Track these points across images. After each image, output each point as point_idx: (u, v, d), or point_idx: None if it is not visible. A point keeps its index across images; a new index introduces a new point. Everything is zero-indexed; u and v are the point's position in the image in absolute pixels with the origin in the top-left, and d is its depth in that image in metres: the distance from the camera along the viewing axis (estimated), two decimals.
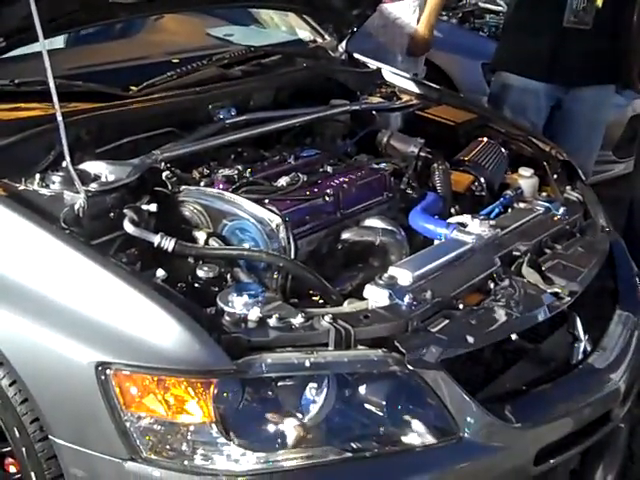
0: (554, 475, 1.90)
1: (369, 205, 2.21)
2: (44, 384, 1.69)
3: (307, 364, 1.64)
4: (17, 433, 1.73)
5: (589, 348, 2.03)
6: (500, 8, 5.24)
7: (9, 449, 1.79)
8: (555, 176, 2.55)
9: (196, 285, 1.83)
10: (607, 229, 2.41)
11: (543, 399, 1.88)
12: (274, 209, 1.95)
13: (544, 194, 2.42)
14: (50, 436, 1.69)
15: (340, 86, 2.79)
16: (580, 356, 2.01)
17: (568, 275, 2.04)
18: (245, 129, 2.33)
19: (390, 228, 2.10)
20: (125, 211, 1.88)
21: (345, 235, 2.07)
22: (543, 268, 2.04)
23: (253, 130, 2.34)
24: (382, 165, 2.34)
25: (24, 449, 1.72)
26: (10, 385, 1.72)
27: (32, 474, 1.73)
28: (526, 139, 2.69)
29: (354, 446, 1.66)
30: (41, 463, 1.71)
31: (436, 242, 2.09)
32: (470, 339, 1.76)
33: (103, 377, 1.62)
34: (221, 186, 2.06)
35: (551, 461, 1.84)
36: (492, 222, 2.14)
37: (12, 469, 1.86)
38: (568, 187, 2.51)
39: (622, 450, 2.11)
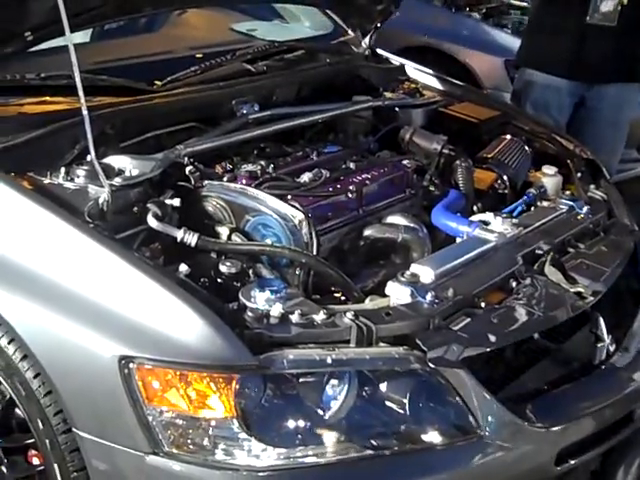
0: (575, 476, 1.89)
1: (391, 202, 2.21)
2: (68, 377, 1.70)
3: (329, 361, 1.64)
4: (41, 425, 1.74)
5: (612, 348, 2.02)
6: (524, 4, 5.20)
7: (32, 441, 1.80)
8: (579, 174, 2.53)
9: (219, 280, 1.83)
10: (631, 228, 2.39)
11: (565, 399, 1.88)
12: (297, 205, 1.95)
13: (568, 192, 2.40)
14: (73, 428, 1.71)
15: (363, 82, 2.78)
16: (603, 356, 2.00)
17: (591, 275, 2.03)
18: (268, 124, 2.34)
19: (412, 225, 2.10)
20: (148, 205, 1.89)
21: (367, 232, 2.08)
22: (566, 267, 2.03)
23: (276, 126, 2.34)
24: (405, 162, 2.34)
25: (47, 441, 1.74)
26: (34, 377, 1.73)
27: (55, 466, 1.75)
28: (550, 137, 2.68)
29: (375, 443, 1.66)
30: (64, 455, 1.73)
31: (458, 240, 2.09)
32: (492, 338, 1.76)
33: (126, 371, 1.63)
34: (244, 181, 2.07)
35: (572, 462, 1.83)
36: (515, 220, 2.13)
37: (35, 461, 1.87)
38: (592, 186, 2.49)
39: None
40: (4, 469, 1.92)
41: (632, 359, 2.03)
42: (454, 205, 2.22)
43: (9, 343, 1.76)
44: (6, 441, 1.91)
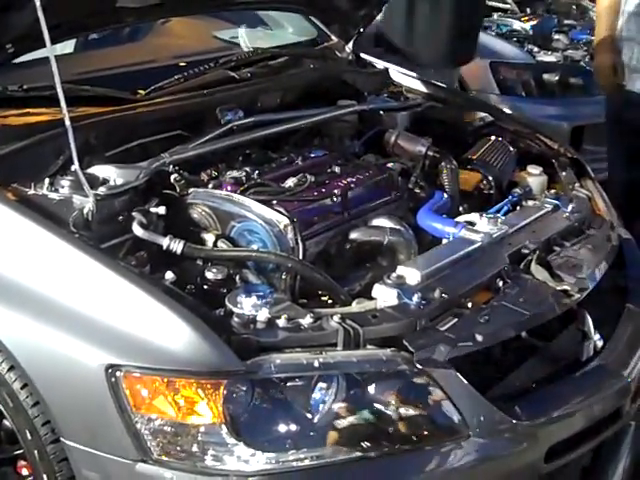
0: (565, 473, 1.90)
1: (377, 205, 2.21)
2: (55, 387, 1.70)
3: (316, 364, 1.64)
4: (29, 436, 1.74)
5: (599, 345, 2.03)
6: (507, 6, 5.23)
7: (21, 452, 1.80)
8: (563, 173, 2.54)
9: (205, 287, 1.83)
10: (616, 226, 2.41)
11: (553, 397, 1.88)
12: (282, 210, 1.96)
13: (553, 191, 2.41)
14: (61, 438, 1.71)
15: (347, 86, 2.79)
16: (590, 353, 2.01)
17: (577, 272, 2.04)
18: (253, 131, 2.34)
19: (398, 227, 2.11)
20: (134, 214, 1.90)
21: (353, 235, 2.08)
22: (552, 266, 2.04)
23: (261, 132, 2.35)
24: (390, 165, 2.35)
25: (36, 452, 1.74)
26: (21, 388, 1.73)
27: (44, 476, 1.74)
28: (534, 137, 2.69)
29: (364, 446, 1.66)
30: (53, 465, 1.73)
31: (444, 241, 2.09)
32: (479, 337, 1.76)
33: (113, 379, 1.63)
34: (229, 188, 2.07)
35: (562, 459, 1.83)
36: (500, 220, 2.14)
37: (24, 472, 1.87)
38: (577, 184, 2.50)
39: (633, 447, 2.10)
40: None
41: (619, 355, 2.03)
42: (440, 207, 2.23)
43: None
44: None
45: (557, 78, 3.79)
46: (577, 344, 2.01)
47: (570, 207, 2.31)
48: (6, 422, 1.82)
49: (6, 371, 1.74)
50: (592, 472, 2.00)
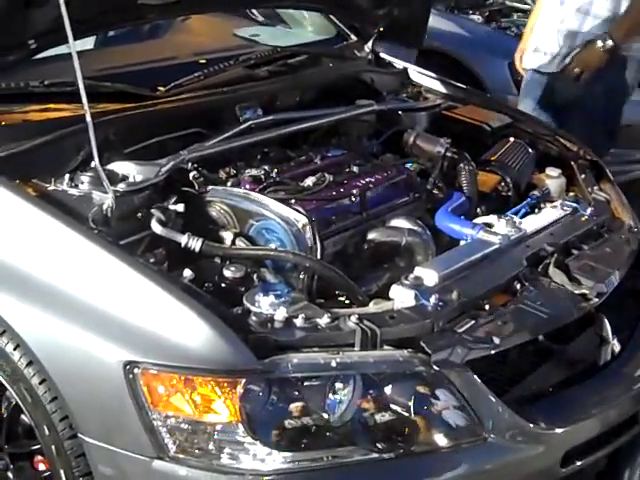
0: (581, 477, 1.89)
1: (395, 205, 2.21)
2: (73, 382, 1.71)
3: (333, 364, 1.64)
4: (47, 431, 1.75)
5: (617, 350, 2.02)
6: (527, 7, 5.20)
7: (39, 447, 1.81)
8: (583, 176, 2.53)
9: (223, 285, 1.83)
10: (635, 229, 2.39)
11: (570, 401, 1.87)
12: (300, 209, 1.96)
13: (571, 194, 2.40)
14: (79, 434, 1.71)
15: (366, 86, 2.79)
16: (608, 357, 2.00)
17: (596, 276, 2.03)
18: (271, 129, 2.34)
19: (416, 228, 2.10)
20: (153, 211, 1.90)
21: (371, 235, 2.08)
22: (570, 269, 2.03)
23: (279, 130, 2.35)
24: (408, 165, 2.34)
25: (53, 447, 1.75)
26: (40, 383, 1.74)
27: (61, 472, 1.75)
28: (553, 139, 2.67)
29: (380, 446, 1.66)
30: (70, 461, 1.73)
31: (462, 242, 2.09)
32: (496, 340, 1.76)
33: (131, 376, 1.63)
34: (247, 186, 2.07)
35: (578, 463, 1.83)
36: (518, 222, 2.13)
37: (41, 467, 1.88)
38: (596, 187, 2.49)
39: None
40: (10, 475, 1.94)
41: (637, 360, 2.02)
42: (458, 208, 2.23)
43: (15, 349, 1.76)
44: (12, 447, 1.92)
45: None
46: (595, 348, 2.00)
47: (589, 210, 2.30)
48: (24, 417, 1.83)
49: (25, 366, 1.75)
50: (608, 477, 1.99)
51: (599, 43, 3.26)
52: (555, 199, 2.40)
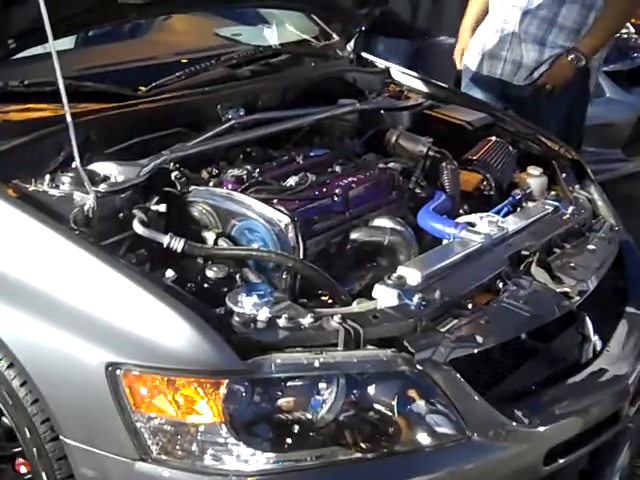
0: (564, 475, 1.89)
1: (378, 205, 2.21)
2: (54, 385, 1.70)
3: (316, 364, 1.64)
4: (28, 433, 1.73)
5: (599, 348, 2.03)
6: None
7: (20, 449, 1.80)
8: (564, 175, 2.54)
9: (205, 285, 1.83)
10: (617, 228, 2.41)
11: (552, 399, 1.88)
12: (283, 209, 1.95)
13: (553, 193, 2.41)
14: (61, 436, 1.70)
15: (348, 85, 2.79)
16: (590, 356, 2.01)
17: (577, 274, 2.04)
18: (253, 129, 2.34)
19: (399, 228, 2.10)
20: (134, 211, 1.89)
21: (354, 235, 2.08)
22: (552, 267, 2.04)
23: (262, 130, 2.34)
24: (391, 164, 2.34)
25: (35, 449, 1.73)
26: (21, 386, 1.73)
27: (43, 474, 1.74)
28: (535, 138, 2.69)
29: (363, 446, 1.66)
30: (52, 463, 1.72)
31: (445, 242, 2.09)
32: (479, 339, 1.77)
33: (113, 378, 1.62)
34: (230, 186, 2.07)
35: (560, 461, 1.83)
36: (501, 221, 2.14)
37: (23, 469, 1.86)
38: (577, 186, 2.51)
39: (632, 450, 2.10)
40: None
41: (618, 358, 2.03)
42: (440, 207, 2.23)
43: None
44: None
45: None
46: (577, 346, 2.01)
47: (570, 209, 2.31)
48: (5, 419, 1.81)
49: (5, 368, 1.74)
50: (590, 475, 2.00)
51: (570, 57, 3.25)
52: (537, 198, 2.41)
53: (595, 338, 2.02)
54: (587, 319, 2.02)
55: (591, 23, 3.26)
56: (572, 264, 2.09)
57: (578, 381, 1.94)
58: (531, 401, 1.85)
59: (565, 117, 3.41)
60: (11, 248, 1.78)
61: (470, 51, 3.50)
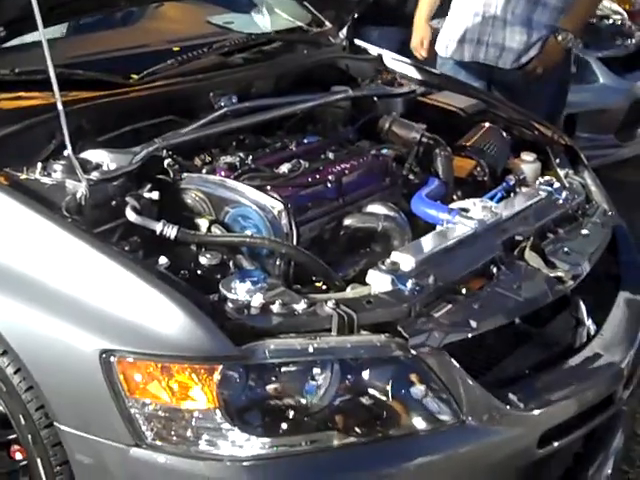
0: (558, 458, 1.90)
1: (371, 191, 2.20)
2: (49, 371, 1.70)
3: (310, 350, 1.64)
4: (22, 420, 1.74)
5: (592, 332, 2.04)
6: None
7: (15, 436, 1.80)
8: (557, 160, 2.54)
9: (199, 272, 1.83)
10: (609, 213, 2.41)
11: (546, 382, 1.88)
12: (276, 196, 1.95)
13: (546, 178, 2.41)
14: (55, 423, 1.70)
15: (341, 73, 2.78)
16: (583, 339, 2.02)
17: (571, 259, 2.04)
18: (246, 116, 2.33)
19: (392, 214, 2.10)
20: (127, 199, 1.89)
21: (347, 221, 2.08)
22: (546, 252, 2.04)
23: (254, 117, 2.34)
24: (384, 151, 2.34)
25: (30, 436, 1.74)
26: (15, 373, 1.73)
27: (38, 460, 1.74)
28: (528, 124, 2.68)
29: (358, 431, 1.67)
30: (47, 450, 1.72)
31: (438, 227, 2.09)
32: (473, 323, 1.77)
33: (107, 364, 1.63)
34: (223, 173, 2.06)
35: (554, 444, 1.84)
36: (494, 207, 2.14)
37: (18, 456, 1.87)
38: (570, 171, 2.51)
39: (626, 433, 2.11)
40: None
41: (613, 342, 2.04)
42: (434, 193, 2.23)
43: None
44: None
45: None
46: (570, 330, 2.02)
47: (564, 194, 2.31)
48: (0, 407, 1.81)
49: None
50: (584, 457, 2.01)
51: (560, 37, 3.25)
52: (530, 184, 2.41)
53: (589, 322, 2.03)
54: (581, 303, 2.03)
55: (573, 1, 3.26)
56: (566, 249, 2.09)
57: (572, 365, 1.95)
58: (525, 385, 1.85)
59: (554, 98, 3.43)
60: (3, 236, 1.78)
61: (446, 40, 3.44)
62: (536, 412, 1.80)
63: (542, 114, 2.98)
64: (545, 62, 3.29)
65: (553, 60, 3.30)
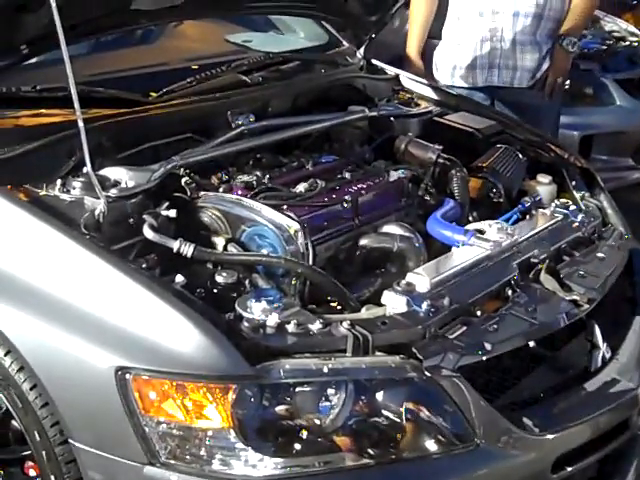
0: None
1: (387, 211, 2.21)
2: (64, 388, 1.70)
3: (325, 370, 1.64)
4: (37, 437, 1.74)
5: (607, 356, 2.03)
6: None
7: (29, 452, 1.80)
8: (573, 183, 2.54)
9: (215, 291, 1.83)
10: (626, 236, 2.40)
11: (561, 406, 1.88)
12: (292, 215, 1.96)
13: (562, 201, 2.41)
14: (70, 440, 1.71)
15: (358, 92, 2.80)
16: (598, 364, 2.01)
17: (586, 282, 2.04)
18: (263, 135, 2.35)
19: (408, 234, 2.11)
20: (144, 216, 1.90)
21: (363, 241, 2.08)
22: (561, 275, 2.04)
23: (271, 136, 2.35)
24: (400, 171, 2.35)
25: (44, 452, 1.74)
26: (31, 389, 1.73)
27: (52, 477, 1.75)
28: (544, 145, 2.68)
29: (371, 452, 1.66)
30: (60, 467, 1.73)
31: (454, 249, 2.09)
32: (488, 346, 1.76)
33: (122, 382, 1.63)
34: (240, 192, 2.08)
35: (569, 469, 1.83)
36: (510, 229, 2.14)
37: (32, 472, 1.87)
38: (587, 194, 2.50)
39: None
40: None
41: (627, 366, 2.03)
42: (449, 214, 2.23)
43: (5, 355, 1.76)
44: (3, 453, 1.92)
45: (568, 87, 3.81)
46: (585, 354, 2.01)
47: (580, 217, 2.30)
48: (15, 423, 1.82)
49: (15, 372, 1.74)
50: None
51: (564, 43, 3.29)
52: (546, 206, 2.41)
53: (604, 346, 2.02)
54: (596, 327, 2.02)
55: (569, 8, 3.30)
56: (581, 272, 2.08)
57: (587, 389, 1.94)
58: (540, 409, 1.85)
59: (558, 114, 3.44)
60: (21, 252, 1.79)
61: (449, 67, 3.40)
62: (550, 436, 1.80)
63: (555, 131, 2.98)
64: (558, 72, 3.33)
65: (564, 68, 3.34)
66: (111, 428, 1.67)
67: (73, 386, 1.69)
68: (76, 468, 1.72)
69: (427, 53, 3.61)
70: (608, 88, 4.44)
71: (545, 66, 3.33)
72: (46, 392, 1.71)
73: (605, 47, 4.71)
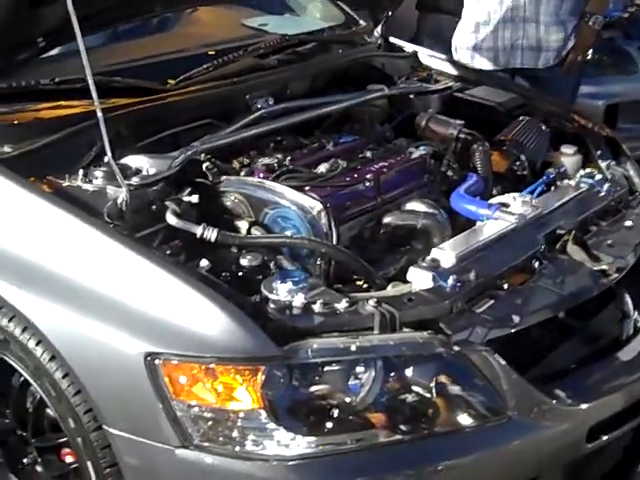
0: (607, 452, 1.88)
1: (410, 189, 2.20)
2: (96, 375, 1.72)
3: (353, 348, 1.64)
4: (72, 424, 1.76)
5: (639, 324, 2.00)
6: None
7: (65, 439, 1.83)
8: (598, 152, 2.50)
9: (240, 274, 1.84)
10: None
11: (593, 376, 1.87)
12: (315, 196, 1.95)
13: (588, 171, 2.38)
14: (104, 426, 1.72)
15: (377, 71, 2.78)
16: (630, 332, 1.99)
17: (615, 252, 2.02)
18: (283, 118, 2.34)
19: (432, 211, 2.09)
20: (167, 203, 1.90)
21: (387, 219, 2.07)
22: (589, 245, 2.02)
23: (291, 118, 2.34)
24: (422, 148, 2.33)
25: (80, 439, 1.76)
26: (63, 377, 1.76)
27: (88, 463, 1.77)
28: (568, 116, 2.65)
29: (403, 428, 1.66)
30: (96, 452, 1.75)
31: (478, 223, 2.08)
32: (516, 318, 1.75)
33: (152, 367, 1.64)
34: (261, 175, 2.07)
35: (604, 438, 1.82)
36: (535, 201, 2.12)
37: (69, 459, 1.90)
38: (612, 163, 2.47)
39: None
40: (39, 468, 1.96)
41: None
42: (473, 189, 2.21)
43: (37, 345, 1.78)
44: (39, 441, 1.94)
45: (590, 56, 3.76)
46: (616, 323, 1.99)
47: (606, 186, 2.28)
48: (49, 411, 1.84)
49: (47, 361, 1.77)
50: (633, 451, 1.98)
51: (591, 22, 3.24)
52: (571, 176, 2.38)
53: (635, 314, 2.00)
54: (626, 295, 2.00)
55: None
56: (609, 241, 2.06)
57: (619, 358, 1.93)
58: (572, 379, 1.84)
59: (577, 86, 3.42)
60: (48, 244, 1.81)
61: (469, 48, 3.33)
62: (584, 406, 1.79)
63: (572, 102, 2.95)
64: (582, 49, 3.29)
65: (588, 46, 3.32)
66: (143, 413, 1.68)
67: (104, 373, 1.70)
68: (112, 453, 1.74)
69: (444, 31, 3.58)
70: (631, 56, 4.37)
71: (570, 44, 3.28)
72: (78, 380, 1.73)
73: (627, 15, 4.63)
